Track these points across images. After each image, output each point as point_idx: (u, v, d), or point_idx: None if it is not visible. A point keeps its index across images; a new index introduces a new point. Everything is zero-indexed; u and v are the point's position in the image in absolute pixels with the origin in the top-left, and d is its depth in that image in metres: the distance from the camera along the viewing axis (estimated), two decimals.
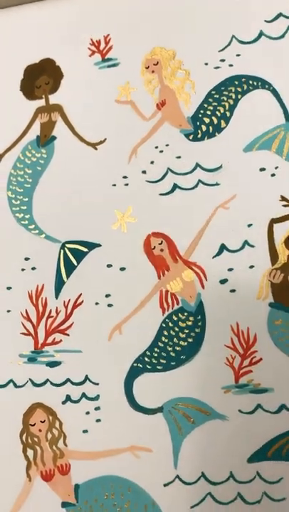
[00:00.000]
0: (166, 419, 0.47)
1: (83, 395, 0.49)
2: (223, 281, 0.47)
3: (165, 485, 0.46)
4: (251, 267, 0.47)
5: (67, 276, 0.51)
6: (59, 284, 0.51)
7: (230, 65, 0.50)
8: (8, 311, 0.51)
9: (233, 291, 0.47)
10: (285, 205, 0.47)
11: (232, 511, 0.45)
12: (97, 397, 0.48)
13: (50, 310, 0.50)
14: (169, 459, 0.47)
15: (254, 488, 0.45)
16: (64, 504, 0.48)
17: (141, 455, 0.47)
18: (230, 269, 0.48)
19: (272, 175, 0.48)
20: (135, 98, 0.51)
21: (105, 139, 0.51)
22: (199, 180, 0.49)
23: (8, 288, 0.51)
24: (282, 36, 0.49)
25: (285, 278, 0.46)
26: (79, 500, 0.48)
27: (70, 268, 0.51)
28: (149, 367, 0.48)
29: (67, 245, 0.51)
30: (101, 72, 0.52)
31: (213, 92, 0.50)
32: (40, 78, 0.53)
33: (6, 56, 0.54)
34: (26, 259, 0.52)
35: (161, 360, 0.48)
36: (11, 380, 0.50)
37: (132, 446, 0.47)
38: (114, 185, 0.50)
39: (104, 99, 0.52)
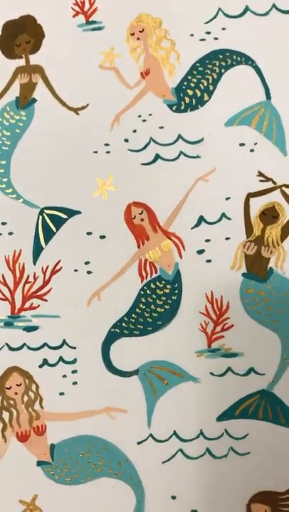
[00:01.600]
0: (141, 382, 0.49)
1: (60, 358, 0.50)
2: (200, 252, 0.50)
3: (139, 443, 0.49)
4: (227, 238, 0.50)
5: (46, 242, 0.51)
6: (37, 250, 0.51)
7: (216, 38, 0.50)
8: None
9: (209, 261, 0.50)
10: (261, 181, 0.49)
11: (201, 465, 0.49)
12: (74, 361, 0.50)
13: (28, 275, 0.51)
14: (143, 418, 0.49)
15: (222, 444, 0.49)
16: (39, 463, 0.50)
17: (116, 416, 0.49)
18: (207, 240, 0.50)
19: (251, 150, 0.50)
20: (119, 65, 0.51)
21: (87, 105, 0.51)
22: (181, 152, 0.50)
23: None
24: (267, 13, 0.50)
25: (258, 250, 0.49)
26: (54, 459, 0.50)
27: (48, 234, 0.51)
28: (126, 332, 0.50)
29: (46, 211, 0.51)
30: (85, 35, 0.52)
31: (197, 65, 0.51)
32: (20, 36, 0.52)
33: None
34: (3, 223, 0.52)
35: (138, 326, 0.50)
36: None
37: (107, 408, 0.49)
38: (96, 152, 0.51)
39: (87, 63, 0.51)
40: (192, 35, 0.51)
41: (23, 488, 0.50)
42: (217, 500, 0.49)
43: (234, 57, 0.50)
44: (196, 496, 0.49)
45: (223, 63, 0.51)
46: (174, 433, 0.49)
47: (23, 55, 0.52)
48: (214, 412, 0.49)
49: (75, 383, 0.50)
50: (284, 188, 0.49)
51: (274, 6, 0.50)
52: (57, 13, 0.52)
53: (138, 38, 0.51)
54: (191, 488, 0.49)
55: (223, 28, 0.50)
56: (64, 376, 0.50)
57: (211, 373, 0.49)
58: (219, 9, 0.50)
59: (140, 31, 0.51)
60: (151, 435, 0.49)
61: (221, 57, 0.51)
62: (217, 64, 0.50)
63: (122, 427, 0.49)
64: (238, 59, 0.50)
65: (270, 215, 0.49)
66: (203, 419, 0.49)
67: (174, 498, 0.49)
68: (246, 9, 0.50)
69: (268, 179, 0.49)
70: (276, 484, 0.48)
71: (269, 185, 0.49)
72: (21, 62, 0.52)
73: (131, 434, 0.49)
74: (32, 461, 0.50)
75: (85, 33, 0.52)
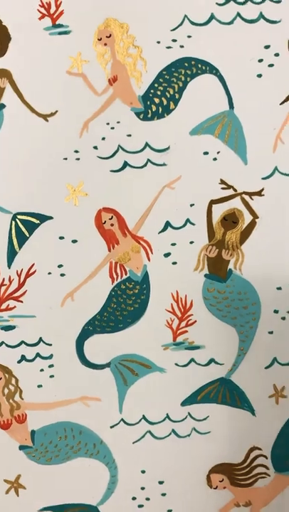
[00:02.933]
0: (113, 373, 0.54)
1: (37, 354, 0.54)
2: (167, 255, 0.54)
3: (111, 426, 0.55)
4: (191, 242, 0.54)
5: (20, 246, 0.53)
6: (11, 254, 0.54)
7: (182, 46, 0.52)
8: None
9: (174, 263, 0.54)
10: (223, 188, 0.53)
11: (167, 444, 0.55)
12: (50, 356, 0.54)
13: (4, 278, 0.54)
14: (115, 405, 0.55)
15: (185, 425, 0.55)
16: (21, 447, 0.55)
17: (90, 404, 0.55)
18: (173, 244, 0.54)
19: (214, 159, 0.53)
20: (87, 71, 0.52)
21: (56, 111, 0.52)
22: (148, 160, 0.53)
23: None
24: (232, 22, 0.52)
25: (219, 253, 0.54)
26: (35, 443, 0.55)
27: (22, 239, 0.53)
28: (98, 329, 0.54)
29: (19, 216, 0.53)
30: (52, 39, 0.52)
31: (164, 73, 0.52)
32: None
33: None
34: None
35: (110, 323, 0.54)
36: None
37: (82, 397, 0.55)
38: (66, 158, 0.52)
39: (55, 68, 0.52)
40: (159, 42, 0.52)
41: (7, 470, 0.56)
42: (181, 472, 0.56)
43: (199, 66, 0.52)
44: (163, 470, 0.56)
45: (189, 72, 0.52)
46: (143, 417, 0.55)
47: None
48: (179, 398, 0.55)
49: (51, 376, 0.54)
50: (244, 196, 0.53)
51: (238, 14, 0.52)
52: (22, 15, 0.51)
53: (105, 44, 0.52)
54: (159, 463, 0.56)
55: (189, 36, 0.52)
56: (41, 370, 0.54)
57: (176, 364, 0.54)
58: (185, 16, 0.51)
59: (107, 37, 0.52)
60: (122, 419, 0.55)
61: (186, 65, 0.52)
62: (183, 72, 0.52)
63: (97, 413, 0.55)
64: (203, 68, 0.52)
65: (230, 220, 0.54)
66: (168, 404, 0.55)
67: (143, 472, 0.56)
68: (212, 17, 0.51)
69: (229, 187, 0.53)
70: (232, 457, 0.56)
71: (230, 192, 0.53)
72: None
73: (104, 419, 0.55)
74: (15, 446, 0.55)
75: (52, 37, 0.52)
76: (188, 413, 0.55)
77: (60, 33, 0.52)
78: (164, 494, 0.56)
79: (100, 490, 0.56)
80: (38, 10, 0.52)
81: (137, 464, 0.55)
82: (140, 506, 0.56)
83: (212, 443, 0.55)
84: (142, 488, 0.56)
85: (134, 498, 0.56)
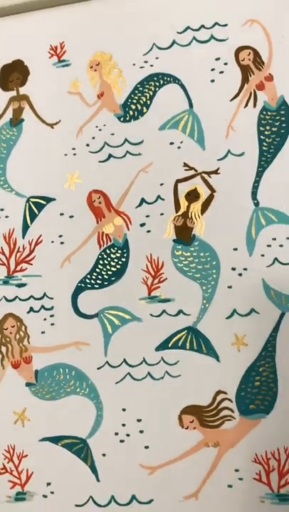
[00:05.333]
0: (100, 322, 0.66)
1: (42, 306, 0.68)
2: (142, 225, 0.67)
3: (98, 368, 0.64)
4: (162, 214, 0.66)
5: (31, 222, 0.70)
6: (25, 228, 0.70)
7: (151, 65, 0.68)
8: None
9: (149, 231, 0.67)
10: (186, 170, 0.66)
11: (143, 385, 0.64)
12: (52, 308, 0.68)
13: (19, 247, 0.70)
14: (101, 350, 0.65)
15: (159, 368, 0.63)
16: (27, 384, 0.69)
17: (82, 348, 0.67)
18: (147, 216, 0.67)
19: (178, 147, 0.67)
20: (82, 90, 0.70)
21: (60, 121, 0.70)
22: (127, 151, 0.68)
23: None
24: (189, 44, 0.68)
25: (184, 222, 0.66)
26: (38, 381, 0.68)
27: (33, 216, 0.70)
28: (89, 286, 0.68)
29: (31, 199, 0.71)
30: (57, 70, 0.71)
31: (138, 86, 0.69)
32: (12, 74, 0.72)
33: None
34: (1, 209, 0.72)
35: (98, 281, 0.67)
36: None
37: (75, 342, 0.67)
38: (66, 154, 0.70)
39: (59, 90, 0.71)
40: (134, 64, 0.69)
41: (16, 403, 0.68)
42: (156, 411, 0.64)
43: (165, 78, 0.68)
44: (140, 409, 0.64)
45: (157, 83, 0.68)
46: (124, 360, 0.63)
47: (15, 88, 0.73)
48: (153, 344, 0.63)
49: (52, 324, 0.68)
50: (203, 174, 0.66)
51: (194, 37, 0.68)
52: (38, 56, 0.72)
53: (95, 70, 0.70)
54: (137, 403, 0.65)
55: (157, 58, 0.68)
56: (44, 319, 0.68)
57: (151, 314, 0.63)
58: (153, 44, 0.69)
59: (96, 65, 0.70)
60: (107, 362, 0.64)
61: (155, 79, 0.68)
62: (152, 84, 0.68)
63: (86, 356, 0.65)
64: (168, 79, 0.68)
65: (193, 195, 0.66)
66: (145, 349, 0.65)
67: (124, 410, 0.65)
68: (173, 42, 0.68)
69: (191, 168, 0.67)
70: (200, 400, 0.64)
71: (192, 172, 0.66)
72: (13, 93, 0.73)
73: (93, 362, 0.64)
74: (22, 383, 0.69)
75: (57, 69, 0.71)
76: (162, 357, 0.62)
77: (63, 66, 0.71)
78: (141, 431, 0.63)
79: (88, 424, 0.65)
80: (48, 52, 0.72)
81: (119, 402, 0.63)
82: (121, 441, 0.64)
83: (182, 385, 0.60)
84: (123, 425, 0.64)
85: (116, 434, 0.64)
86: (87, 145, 0.67)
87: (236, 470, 0.60)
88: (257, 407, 0.60)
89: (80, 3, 0.68)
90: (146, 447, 0.62)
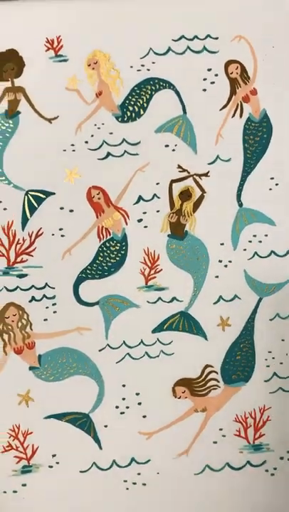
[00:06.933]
0: (100, 309, 0.73)
1: (44, 295, 0.73)
2: (140, 220, 0.74)
3: (99, 350, 0.72)
4: (158, 211, 0.73)
5: (31, 215, 0.73)
6: (24, 221, 0.73)
7: (148, 70, 0.73)
8: None
9: (145, 227, 0.74)
10: (180, 171, 0.74)
11: (141, 363, 0.72)
12: (53, 297, 0.73)
13: (18, 239, 0.73)
14: (102, 334, 0.72)
15: (155, 348, 0.73)
16: (31, 368, 0.74)
17: (84, 333, 0.74)
18: (144, 212, 0.73)
19: (173, 150, 0.73)
20: (80, 87, 0.73)
21: (58, 116, 0.72)
22: (125, 151, 0.73)
23: None
24: (183, 53, 0.73)
25: (178, 219, 0.74)
26: (41, 365, 0.74)
27: (32, 209, 0.73)
28: (90, 276, 0.73)
29: (30, 193, 0.73)
30: (54, 65, 0.72)
31: (135, 88, 0.73)
32: (7, 65, 0.72)
33: None
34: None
35: (98, 272, 0.74)
36: None
37: (78, 327, 0.74)
38: (65, 150, 0.73)
39: (57, 86, 0.72)
40: (132, 66, 0.73)
41: (19, 386, 0.73)
42: (152, 385, 0.74)
43: (161, 83, 0.73)
44: (138, 384, 0.74)
45: (153, 87, 0.74)
46: (123, 342, 0.71)
47: (9, 79, 0.73)
48: (150, 326, 0.71)
49: (54, 312, 0.73)
50: (195, 176, 0.74)
51: (188, 47, 0.73)
52: (34, 48, 0.72)
53: (93, 68, 0.73)
54: (135, 379, 0.74)
55: (153, 62, 0.73)
56: (47, 307, 0.73)
57: (148, 301, 0.70)
58: (150, 49, 0.73)
59: (94, 63, 0.73)
60: (108, 344, 0.72)
61: (152, 83, 0.73)
62: (149, 88, 0.73)
63: (89, 339, 0.72)
64: (164, 84, 0.74)
65: (185, 194, 0.74)
66: (142, 332, 0.73)
67: (123, 385, 0.74)
68: (169, 49, 0.73)
69: (184, 170, 0.74)
70: (191, 373, 0.74)
71: (185, 174, 0.74)
72: (8, 84, 0.73)
73: (94, 345, 0.71)
74: (25, 367, 0.74)
75: (54, 63, 0.73)
76: (157, 338, 0.71)
77: (60, 61, 0.73)
78: (140, 403, 0.73)
79: (90, 401, 0.73)
80: (44, 45, 0.73)
81: (119, 379, 0.70)
82: (122, 413, 0.74)
83: (175, 361, 0.70)
84: (123, 399, 0.74)
85: (117, 407, 0.72)
86: (86, 142, 0.71)
87: (220, 429, 0.72)
88: (238, 376, 0.73)
89: None
90: (144, 416, 0.73)
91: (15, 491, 0.72)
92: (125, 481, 0.72)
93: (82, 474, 0.72)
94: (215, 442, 0.73)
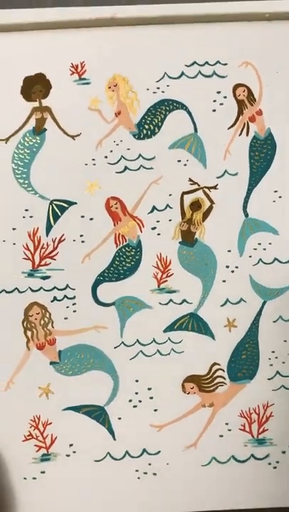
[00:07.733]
0: (116, 309, 0.77)
1: (65, 296, 0.79)
2: (153, 228, 0.80)
3: (115, 347, 0.74)
4: (170, 220, 0.77)
5: (54, 222, 0.80)
6: (48, 227, 0.80)
7: (163, 92, 0.79)
8: (14, 243, 0.79)
9: (159, 234, 0.79)
10: (190, 184, 0.80)
11: (153, 360, 0.76)
12: (74, 297, 0.79)
13: (43, 244, 0.80)
14: (117, 332, 0.75)
15: (166, 346, 0.75)
16: (51, 363, 0.80)
17: (101, 331, 0.80)
18: (157, 221, 0.79)
19: (185, 164, 0.80)
20: (101, 108, 0.80)
21: (80, 133, 0.80)
22: (141, 165, 0.79)
23: (14, 229, 0.80)
24: (195, 77, 0.80)
25: (189, 227, 0.81)
26: (61, 360, 0.80)
27: (56, 217, 0.80)
28: (107, 279, 0.80)
29: (54, 202, 0.80)
30: (78, 87, 0.80)
31: (151, 108, 0.80)
32: (35, 87, 0.80)
33: (10, 69, 0.80)
34: (26, 210, 0.80)
35: (115, 275, 0.79)
36: (16, 288, 0.79)
37: (95, 326, 0.80)
38: (86, 164, 0.80)
39: (80, 106, 0.79)
40: (148, 89, 0.80)
41: (41, 379, 0.78)
42: (163, 381, 0.79)
43: (174, 104, 0.80)
44: (150, 380, 0.78)
45: (168, 108, 0.81)
46: (137, 340, 0.74)
47: (37, 99, 0.80)
48: (161, 326, 0.73)
49: (74, 311, 0.79)
50: (204, 189, 0.81)
51: (200, 72, 0.81)
52: (60, 72, 0.79)
53: (113, 90, 0.81)
54: (147, 376, 0.78)
55: (168, 85, 0.80)
56: (67, 307, 0.77)
57: (160, 303, 0.74)
58: (165, 73, 0.80)
59: (114, 86, 0.81)
60: (122, 342, 0.75)
61: (166, 104, 0.80)
62: (163, 108, 0.80)
63: (105, 337, 0.74)
64: (177, 105, 0.81)
65: (196, 205, 0.81)
66: (154, 331, 0.77)
67: (136, 381, 0.79)
68: (182, 73, 0.80)
69: (194, 183, 0.80)
70: (199, 371, 0.79)
71: (195, 186, 0.79)
72: (36, 104, 0.81)
73: (110, 342, 0.73)
74: (47, 362, 0.80)
75: (78, 86, 0.80)
76: (168, 338, 0.74)
77: (83, 84, 0.80)
78: (151, 397, 0.76)
79: (106, 394, 0.75)
80: (69, 69, 0.81)
81: (132, 375, 0.72)
82: (134, 407, 0.79)
83: (185, 359, 0.73)
84: (136, 393, 0.79)
85: (130, 401, 0.76)
86: (106, 157, 0.78)
87: (226, 423, 0.78)
88: (243, 374, 0.78)
89: (100, 28, 0.78)
90: (156, 410, 0.77)
91: (34, 478, 0.78)
92: (137, 471, 0.77)
93: (96, 463, 0.78)
94: (221, 436, 0.78)
